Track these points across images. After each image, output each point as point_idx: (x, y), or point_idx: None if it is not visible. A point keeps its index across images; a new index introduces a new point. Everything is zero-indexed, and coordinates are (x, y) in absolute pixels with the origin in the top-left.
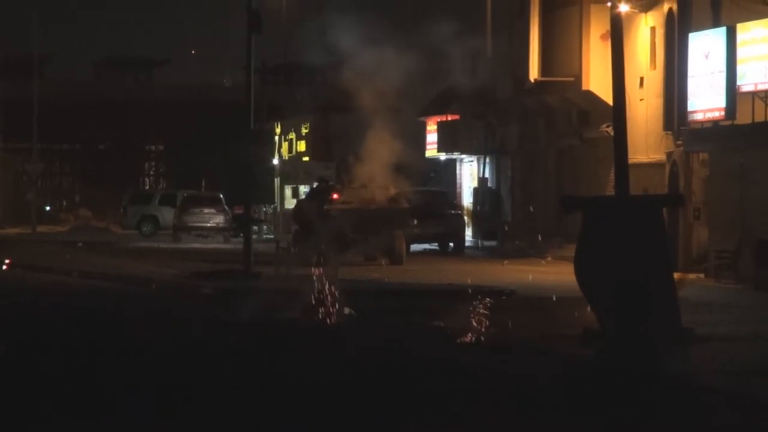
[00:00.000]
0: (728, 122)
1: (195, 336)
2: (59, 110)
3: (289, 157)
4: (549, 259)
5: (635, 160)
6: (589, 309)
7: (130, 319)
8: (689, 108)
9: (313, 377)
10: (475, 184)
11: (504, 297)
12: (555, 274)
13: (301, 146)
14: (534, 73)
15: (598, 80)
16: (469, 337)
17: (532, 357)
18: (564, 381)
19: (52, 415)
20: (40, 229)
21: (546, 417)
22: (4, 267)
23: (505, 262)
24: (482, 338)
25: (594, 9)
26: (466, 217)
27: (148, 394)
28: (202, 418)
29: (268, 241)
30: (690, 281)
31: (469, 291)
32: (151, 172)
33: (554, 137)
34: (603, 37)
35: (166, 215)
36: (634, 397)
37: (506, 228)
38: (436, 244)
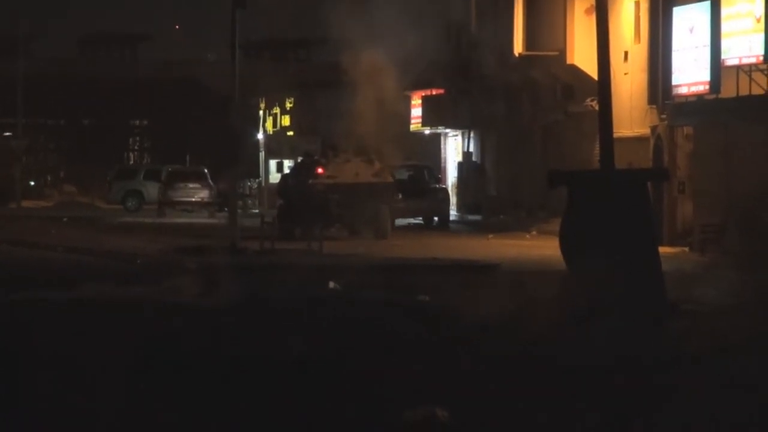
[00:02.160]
0: (712, 96)
1: None
2: (44, 87)
3: (273, 131)
4: (534, 233)
5: (620, 135)
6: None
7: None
8: (674, 82)
9: None
10: (459, 158)
11: (488, 271)
12: (539, 248)
13: (286, 121)
14: (518, 47)
15: (582, 54)
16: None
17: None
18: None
19: None
20: (25, 204)
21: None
22: None
23: (490, 236)
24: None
25: None
26: (450, 192)
27: None
28: None
29: (253, 215)
30: (675, 255)
31: (454, 265)
32: (136, 147)
33: (539, 112)
34: (587, 11)
35: (151, 190)
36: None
37: (491, 202)
38: (421, 218)
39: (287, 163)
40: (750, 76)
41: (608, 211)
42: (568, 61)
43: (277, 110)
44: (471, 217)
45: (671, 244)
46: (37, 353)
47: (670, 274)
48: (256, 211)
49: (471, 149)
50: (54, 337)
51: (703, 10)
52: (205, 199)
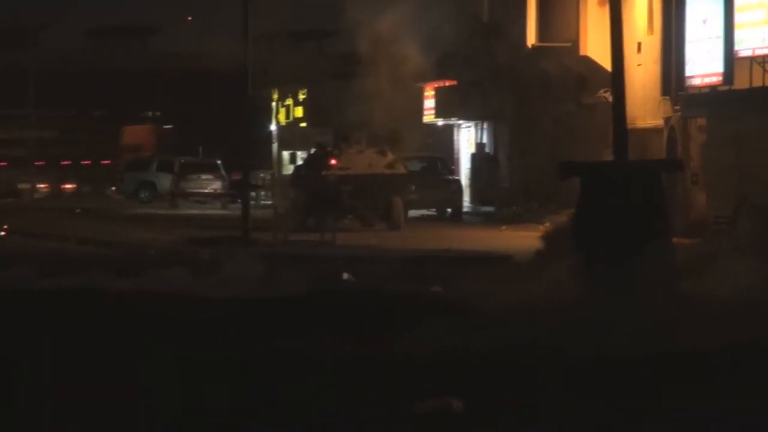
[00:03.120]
0: (726, 87)
1: None
2: (54, 79)
3: (286, 123)
4: (546, 224)
5: (633, 126)
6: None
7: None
8: (687, 73)
9: None
10: (472, 149)
11: (501, 262)
12: None
13: (299, 112)
14: (531, 38)
15: (595, 46)
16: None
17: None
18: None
19: None
20: (37, 195)
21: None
22: (2, 233)
23: (503, 227)
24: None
25: None
26: (463, 183)
27: None
28: None
29: (266, 207)
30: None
31: (467, 257)
32: None
33: (552, 103)
34: (600, 2)
35: (164, 181)
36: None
37: (504, 194)
38: (434, 209)
39: (300, 155)
40: (763, 67)
41: (621, 202)
42: (581, 53)
43: (290, 101)
44: (484, 209)
45: (685, 236)
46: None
47: (683, 264)
48: (269, 202)
49: (484, 140)
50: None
51: (717, 2)
52: (218, 191)
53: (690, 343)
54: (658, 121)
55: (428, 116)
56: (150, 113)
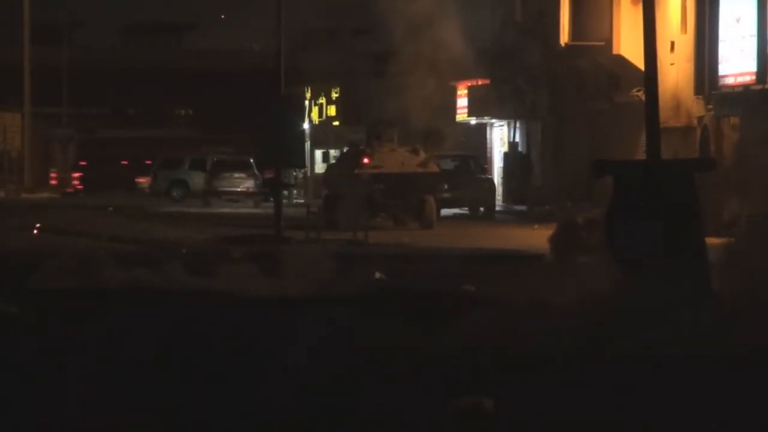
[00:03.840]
0: (759, 86)
1: None
2: (88, 76)
3: (319, 121)
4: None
5: (666, 125)
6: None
7: None
8: (720, 72)
9: None
10: (505, 148)
11: (534, 261)
12: None
13: (332, 111)
14: (564, 37)
15: (628, 44)
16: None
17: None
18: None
19: None
20: (69, 191)
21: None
22: (35, 231)
23: (536, 226)
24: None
25: None
26: (496, 182)
27: None
28: None
29: (298, 205)
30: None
31: (499, 255)
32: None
33: (585, 102)
34: (634, 1)
35: (196, 180)
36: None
37: (536, 192)
38: (467, 208)
39: (333, 153)
40: None
41: (654, 201)
42: (614, 51)
43: (323, 100)
44: (516, 207)
45: (717, 235)
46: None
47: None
48: (302, 200)
49: (517, 139)
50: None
51: (750, 1)
52: (251, 189)
53: (744, 341)
54: (691, 121)
55: (461, 115)
56: (183, 111)
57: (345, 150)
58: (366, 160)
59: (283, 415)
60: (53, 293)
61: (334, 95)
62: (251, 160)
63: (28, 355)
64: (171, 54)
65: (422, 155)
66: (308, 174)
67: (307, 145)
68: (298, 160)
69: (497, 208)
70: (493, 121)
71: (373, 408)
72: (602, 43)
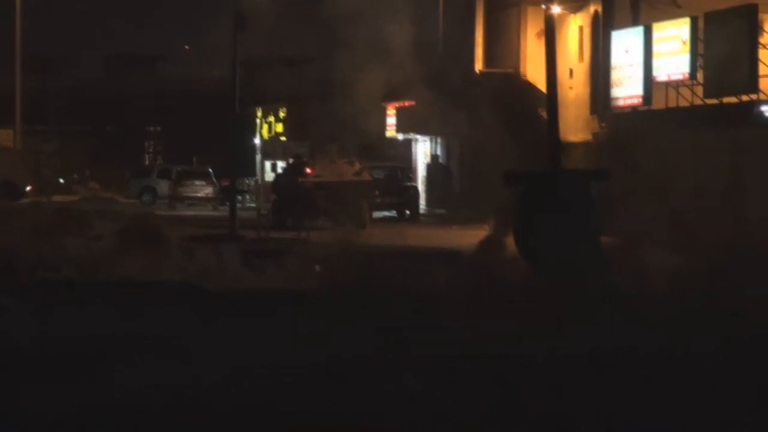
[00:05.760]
0: (645, 108)
1: None
2: (72, 99)
3: (268, 137)
4: (455, 227)
5: (566, 140)
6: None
7: None
8: (612, 95)
9: None
10: (428, 160)
11: (452, 257)
12: None
13: (279, 128)
14: (479, 64)
15: (534, 71)
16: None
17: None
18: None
19: None
20: (56, 198)
21: None
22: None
23: (454, 227)
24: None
25: (531, 10)
26: (420, 189)
27: None
28: None
29: (251, 209)
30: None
31: (423, 252)
32: (150, 150)
33: (497, 120)
34: (538, 34)
35: (163, 187)
36: None
37: (455, 198)
38: (395, 211)
39: (280, 164)
40: (677, 90)
41: (557, 205)
42: (522, 77)
43: (271, 118)
44: (438, 211)
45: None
46: None
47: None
48: (254, 204)
49: (438, 152)
50: None
51: (637, 34)
52: (209, 195)
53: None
54: (588, 136)
55: (390, 131)
56: (152, 128)
57: (291, 161)
58: (309, 171)
59: None
60: None
61: (282, 114)
62: (210, 170)
63: None
64: (144, 80)
65: (357, 166)
66: (259, 182)
67: (258, 157)
68: (250, 170)
69: (421, 212)
70: (418, 136)
71: None
72: (512, 70)
